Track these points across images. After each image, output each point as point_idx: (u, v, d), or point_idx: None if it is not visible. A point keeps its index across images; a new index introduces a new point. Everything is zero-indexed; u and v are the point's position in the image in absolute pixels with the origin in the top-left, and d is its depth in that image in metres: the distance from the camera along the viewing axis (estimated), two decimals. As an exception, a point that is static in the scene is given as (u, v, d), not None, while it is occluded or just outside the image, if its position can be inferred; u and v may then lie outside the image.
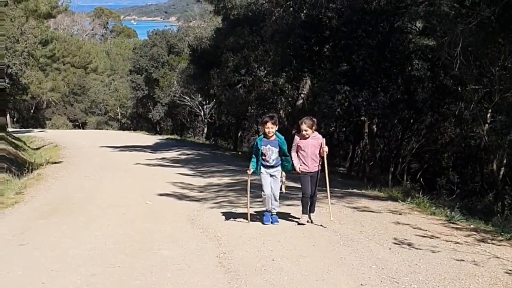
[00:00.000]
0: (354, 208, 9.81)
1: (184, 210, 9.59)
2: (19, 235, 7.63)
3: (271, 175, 8.01)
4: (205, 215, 9.17)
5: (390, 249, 6.87)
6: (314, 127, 8.00)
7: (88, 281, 5.62)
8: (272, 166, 7.96)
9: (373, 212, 9.53)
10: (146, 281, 5.66)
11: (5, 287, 5.45)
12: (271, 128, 7.81)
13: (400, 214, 9.39)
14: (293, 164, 8.02)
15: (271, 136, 7.86)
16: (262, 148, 7.88)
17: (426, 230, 8.00)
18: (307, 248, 6.87)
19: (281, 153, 7.96)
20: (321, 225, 8.05)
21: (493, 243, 7.29)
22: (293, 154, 8.04)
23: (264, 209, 8.31)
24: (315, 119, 8.15)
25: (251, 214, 8.39)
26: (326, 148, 7.90)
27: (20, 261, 6.32)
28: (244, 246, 6.82)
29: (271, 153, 7.89)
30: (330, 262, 6.26)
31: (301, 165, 7.99)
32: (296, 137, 8.06)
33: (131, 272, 5.95)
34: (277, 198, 8.13)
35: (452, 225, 8.54)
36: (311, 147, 7.96)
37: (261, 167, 7.98)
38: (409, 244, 7.11)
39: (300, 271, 5.97)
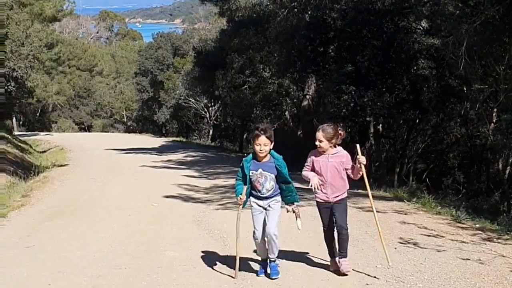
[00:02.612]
0: (360, 208, 9.82)
1: (190, 212, 9.61)
2: (25, 237, 7.67)
3: (265, 209, 5.68)
4: (211, 216, 9.18)
5: (395, 248, 6.87)
6: (335, 140, 5.64)
7: (94, 283, 5.64)
8: (267, 198, 5.64)
9: (378, 212, 9.42)
10: (152, 282, 5.67)
11: (12, 288, 5.48)
12: (263, 146, 5.44)
13: (405, 214, 9.39)
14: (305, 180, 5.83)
15: (264, 157, 5.55)
16: (251, 174, 5.56)
17: (431, 230, 8.00)
18: (312, 248, 6.87)
19: (280, 180, 5.63)
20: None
21: (499, 242, 7.27)
22: (305, 171, 5.80)
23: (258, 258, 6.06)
24: (341, 128, 5.83)
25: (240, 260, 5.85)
26: (363, 159, 5.58)
27: (26, 263, 6.35)
28: (250, 247, 6.84)
29: (265, 181, 5.57)
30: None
31: (316, 193, 5.74)
32: (311, 153, 5.79)
33: (137, 273, 5.97)
34: (276, 239, 5.61)
35: (457, 224, 8.53)
36: (332, 169, 5.64)
37: (251, 197, 5.71)
38: (415, 244, 7.11)
39: (305, 271, 5.98)
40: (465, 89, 15.82)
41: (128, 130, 50.83)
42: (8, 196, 10.81)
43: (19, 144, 24.25)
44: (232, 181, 14.13)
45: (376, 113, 17.21)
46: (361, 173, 5.66)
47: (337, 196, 5.70)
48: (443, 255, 6.58)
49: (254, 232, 5.73)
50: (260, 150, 5.47)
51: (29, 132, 42.71)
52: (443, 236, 7.58)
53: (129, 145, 26.31)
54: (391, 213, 9.42)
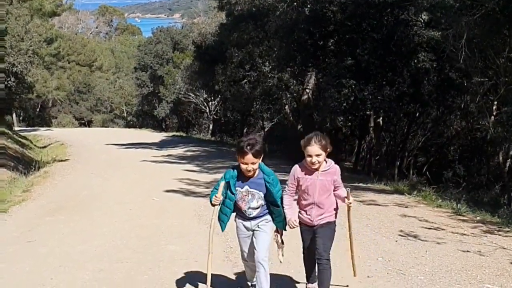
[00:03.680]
0: (361, 201, 9.83)
1: (191, 206, 9.61)
2: (26, 232, 7.68)
3: (252, 231, 4.74)
4: (212, 210, 9.17)
5: (396, 241, 6.88)
6: (330, 149, 4.65)
7: (95, 277, 5.65)
8: (254, 218, 4.71)
9: (379, 205, 9.55)
10: (154, 275, 5.68)
11: (13, 283, 5.49)
12: (251, 165, 4.50)
13: (406, 207, 9.41)
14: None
15: (252, 173, 4.60)
16: (237, 191, 4.65)
17: (432, 222, 8.02)
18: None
19: (270, 199, 4.66)
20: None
21: (499, 235, 7.30)
22: (286, 197, 4.74)
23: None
24: (326, 137, 4.73)
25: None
26: (349, 200, 4.71)
27: (28, 257, 6.36)
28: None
29: (251, 200, 4.65)
30: (336, 254, 6.23)
31: (299, 214, 4.82)
32: (296, 169, 4.76)
33: (138, 267, 5.98)
34: (266, 267, 4.63)
35: (458, 217, 8.56)
36: (320, 188, 4.68)
37: (236, 217, 4.84)
38: (415, 236, 7.13)
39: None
40: (465, 82, 15.79)
41: (128, 125, 50.82)
42: (9, 191, 10.83)
43: (20, 139, 24.28)
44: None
45: (377, 107, 17.20)
46: (349, 209, 4.87)
47: (322, 219, 4.72)
48: (444, 247, 6.60)
49: (242, 254, 4.92)
50: (248, 170, 4.52)
51: (29, 128, 42.76)
52: (443, 229, 7.60)
53: (129, 140, 26.34)
54: (392, 206, 9.44)
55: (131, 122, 51.88)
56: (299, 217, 4.79)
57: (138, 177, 13.93)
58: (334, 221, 4.79)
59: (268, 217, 4.73)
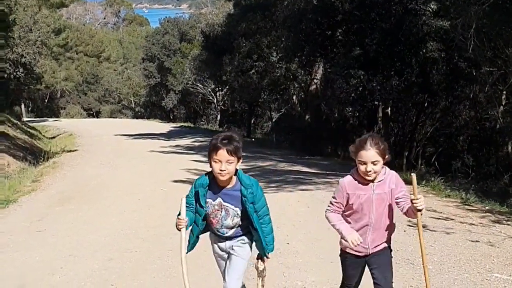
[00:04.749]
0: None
1: (199, 196, 9.60)
2: (36, 222, 7.74)
3: (227, 252, 3.83)
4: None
5: (405, 231, 6.87)
6: (388, 155, 3.50)
7: (105, 265, 5.69)
8: (230, 238, 3.77)
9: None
10: (163, 264, 5.72)
11: (24, 272, 5.53)
12: (226, 164, 3.48)
13: (415, 197, 9.38)
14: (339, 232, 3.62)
15: (227, 181, 3.59)
16: (208, 204, 3.68)
17: (441, 212, 8.01)
18: (321, 231, 6.89)
19: (249, 216, 3.62)
20: None
21: (508, 224, 7.28)
22: (333, 214, 3.66)
23: None
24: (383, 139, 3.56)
25: None
26: (419, 203, 3.36)
27: (38, 247, 6.42)
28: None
29: (224, 217, 3.68)
30: (345, 244, 6.27)
31: (344, 241, 3.62)
32: (346, 182, 3.59)
33: (147, 256, 6.01)
34: None
35: (467, 207, 8.54)
36: (377, 204, 3.52)
37: (210, 234, 3.95)
38: (424, 227, 7.10)
39: (315, 253, 6.01)
40: (474, 71, 15.72)
41: (136, 116, 50.93)
42: (18, 182, 10.90)
43: (28, 130, 24.40)
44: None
45: (385, 97, 17.15)
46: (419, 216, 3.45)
47: (379, 244, 3.61)
48: (453, 237, 6.60)
49: (222, 275, 3.86)
50: (221, 171, 3.44)
51: (38, 118, 42.94)
52: (452, 219, 7.59)
53: (137, 130, 26.39)
54: (400, 196, 9.43)
55: (139, 113, 51.97)
56: (343, 245, 3.66)
57: (147, 167, 13.97)
58: (390, 246, 3.69)
59: (246, 238, 3.70)
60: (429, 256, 5.81)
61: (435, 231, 6.89)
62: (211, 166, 3.47)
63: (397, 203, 3.52)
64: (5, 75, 21.38)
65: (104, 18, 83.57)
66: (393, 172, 3.59)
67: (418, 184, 8.10)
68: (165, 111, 43.82)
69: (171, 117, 43.07)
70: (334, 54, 18.61)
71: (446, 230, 6.93)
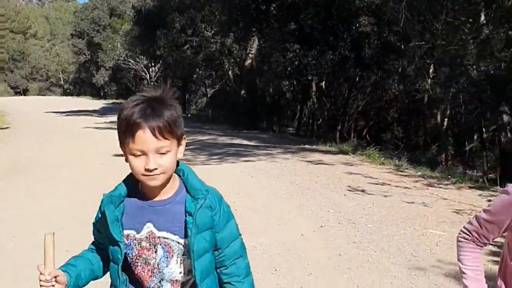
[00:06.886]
0: (308, 161, 10.16)
1: (142, 168, 9.59)
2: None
3: None
4: None
5: (345, 195, 7.21)
6: None
7: (58, 235, 5.66)
8: None
9: (326, 164, 9.89)
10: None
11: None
12: (156, 156, 1.60)
13: (351, 165, 9.79)
14: None
15: (161, 187, 1.67)
16: (127, 239, 1.71)
17: (377, 178, 8.42)
18: (267, 198, 7.12)
19: (216, 259, 1.77)
20: None
21: (439, 187, 7.76)
22: (467, 249, 1.89)
23: None
24: None
25: None
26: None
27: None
28: None
29: (162, 259, 1.70)
30: (290, 208, 6.53)
31: None
32: (502, 211, 1.77)
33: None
34: None
35: (400, 173, 9.01)
36: None
37: None
38: (362, 191, 7.48)
39: (263, 218, 6.21)
40: (403, 46, 16.28)
41: (65, 93, 49.67)
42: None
43: (-47, 108, 23.37)
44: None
45: (320, 72, 17.52)
46: None
47: None
48: (389, 199, 6.98)
49: None
50: (148, 172, 1.62)
51: (-39, 97, 41.10)
52: (388, 184, 8.00)
53: (69, 108, 25.86)
54: (338, 165, 9.80)
55: (68, 90, 50.69)
56: None
57: (83, 142, 13.75)
58: None
59: None
60: (369, 217, 6.16)
61: (373, 194, 7.26)
62: (127, 161, 1.66)
63: None
64: None
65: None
66: None
67: (354, 153, 8.74)
68: (95, 88, 42.95)
69: (102, 94, 42.28)
70: (269, 29, 18.77)
71: (383, 193, 7.31)
